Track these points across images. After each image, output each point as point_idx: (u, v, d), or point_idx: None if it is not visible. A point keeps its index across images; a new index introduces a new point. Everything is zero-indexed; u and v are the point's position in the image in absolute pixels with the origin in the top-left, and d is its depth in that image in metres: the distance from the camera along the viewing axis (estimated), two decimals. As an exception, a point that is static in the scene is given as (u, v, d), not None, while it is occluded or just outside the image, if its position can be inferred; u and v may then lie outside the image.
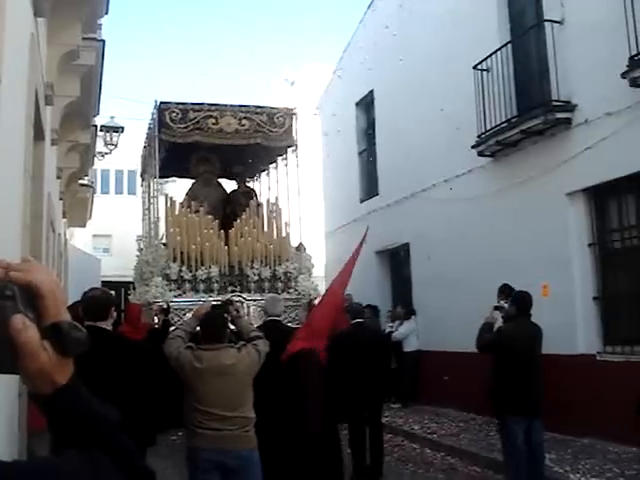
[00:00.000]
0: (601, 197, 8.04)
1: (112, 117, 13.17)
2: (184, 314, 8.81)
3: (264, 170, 11.87)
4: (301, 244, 10.40)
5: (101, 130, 12.31)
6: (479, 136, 9.39)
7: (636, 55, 6.79)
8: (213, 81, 50.36)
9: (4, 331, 0.75)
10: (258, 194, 11.40)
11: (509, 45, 9.19)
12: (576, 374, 7.65)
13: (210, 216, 9.98)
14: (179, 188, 13.12)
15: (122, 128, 13.07)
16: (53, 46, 5.46)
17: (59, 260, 10.62)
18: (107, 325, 3.89)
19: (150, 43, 55.49)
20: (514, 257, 8.83)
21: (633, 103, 7.06)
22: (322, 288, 10.47)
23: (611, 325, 7.81)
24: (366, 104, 14.16)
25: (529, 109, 8.67)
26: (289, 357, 5.25)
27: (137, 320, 8.05)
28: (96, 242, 23.38)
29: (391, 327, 11.43)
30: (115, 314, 4.06)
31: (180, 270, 9.32)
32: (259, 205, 10.56)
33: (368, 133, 14.21)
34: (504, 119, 8.97)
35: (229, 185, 11.85)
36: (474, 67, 9.40)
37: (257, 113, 10.33)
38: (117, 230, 22.27)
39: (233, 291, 9.37)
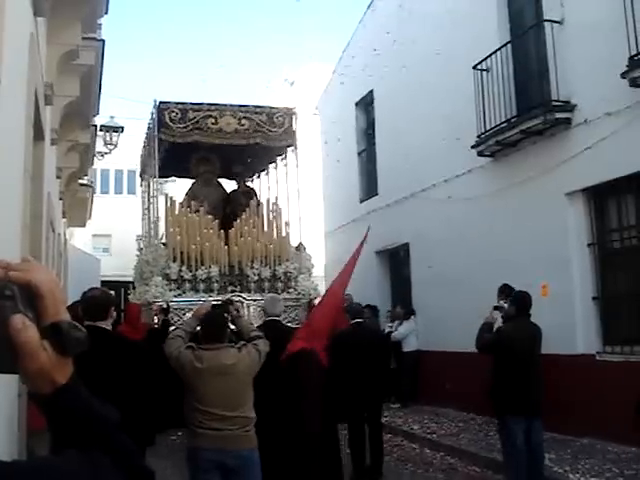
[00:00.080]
0: (600, 197, 8.04)
1: (112, 117, 13.17)
2: (184, 314, 8.81)
3: (263, 170, 11.88)
4: (301, 244, 10.40)
5: (101, 130, 12.31)
6: (479, 136, 9.39)
7: (636, 55, 6.79)
8: (213, 81, 50.37)
9: (4, 331, 0.75)
10: (258, 194, 11.40)
11: (509, 45, 9.19)
12: (576, 374, 7.65)
13: (210, 216, 9.98)
14: (179, 188, 13.13)
15: (122, 128, 13.08)
16: (53, 46, 5.46)
17: (59, 260, 10.62)
18: (107, 325, 3.89)
19: (150, 43, 55.47)
20: (513, 257, 8.84)
21: (633, 103, 7.06)
22: (322, 288, 10.48)
23: (610, 325, 7.82)
24: (366, 104, 14.16)
25: (529, 109, 8.67)
26: (289, 357, 5.25)
27: (136, 320, 8.05)
28: (96, 242, 23.38)
29: (390, 327, 11.44)
30: (115, 314, 4.06)
31: (180, 270, 9.32)
32: (259, 205, 10.56)
33: (368, 133, 14.21)
34: (504, 119, 8.97)
35: (229, 185, 11.86)
36: (474, 67, 9.40)
37: (257, 113, 10.33)
38: (117, 230, 22.26)
39: (233, 291, 9.37)
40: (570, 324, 7.92)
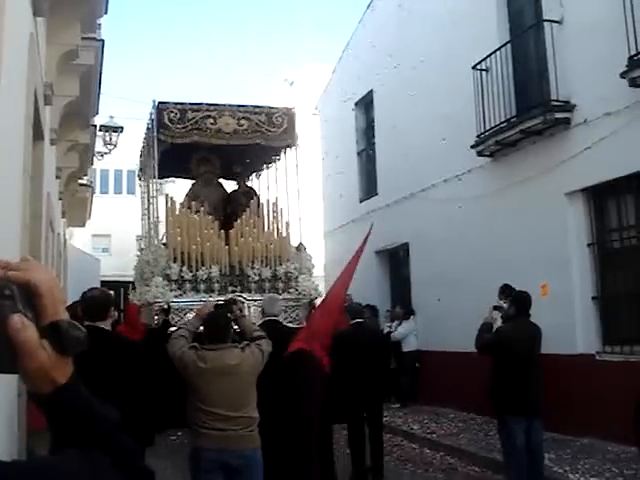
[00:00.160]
0: (600, 197, 8.04)
1: (111, 117, 13.18)
2: (185, 314, 8.81)
3: (260, 170, 11.88)
4: (301, 244, 10.39)
5: (100, 130, 12.32)
6: (478, 136, 9.39)
7: (635, 55, 6.79)
8: (212, 81, 50.40)
9: (3, 330, 0.75)
10: (258, 194, 11.39)
11: (508, 45, 9.19)
12: (575, 374, 7.65)
13: (210, 216, 9.98)
14: (178, 188, 13.13)
15: (121, 128, 13.08)
16: (52, 46, 5.46)
17: (58, 260, 10.62)
18: (106, 325, 3.89)
19: (149, 43, 55.52)
20: (513, 257, 8.84)
21: (632, 103, 7.07)
22: (321, 288, 10.48)
23: (610, 325, 7.82)
24: (365, 104, 14.16)
25: (528, 109, 8.67)
26: (287, 357, 5.25)
27: (135, 320, 8.05)
28: (95, 242, 23.40)
29: (389, 327, 11.43)
30: (115, 314, 4.06)
31: (181, 270, 9.31)
32: (259, 205, 10.55)
33: (367, 133, 14.21)
34: (503, 119, 8.97)
35: (229, 185, 11.85)
36: (473, 67, 9.40)
37: (256, 113, 10.32)
38: (116, 230, 22.29)
39: (234, 291, 9.36)
40: (570, 324, 7.92)
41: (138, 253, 11.39)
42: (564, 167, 8.13)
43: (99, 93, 7.77)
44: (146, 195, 11.55)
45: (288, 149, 10.68)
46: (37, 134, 5.03)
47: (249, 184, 11.80)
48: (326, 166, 15.76)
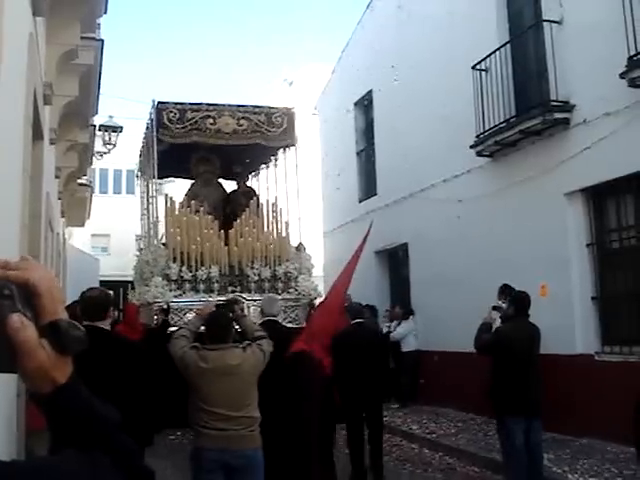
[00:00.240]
0: (600, 197, 8.04)
1: (111, 117, 13.16)
2: (184, 314, 8.81)
3: (260, 170, 11.88)
4: (301, 244, 10.39)
5: (100, 130, 12.31)
6: (478, 136, 9.39)
7: (635, 55, 6.79)
8: (212, 81, 50.39)
9: (2, 330, 0.75)
10: (258, 194, 11.39)
11: (508, 45, 9.19)
12: (575, 374, 7.65)
13: (210, 216, 9.98)
14: (178, 188, 13.13)
15: (121, 128, 13.07)
16: (52, 46, 5.46)
17: (57, 259, 10.62)
18: (105, 325, 3.88)
19: (149, 43, 55.51)
20: (513, 257, 8.84)
21: (631, 103, 7.07)
22: (321, 288, 10.48)
23: (610, 325, 7.82)
24: (365, 104, 14.16)
25: (528, 109, 8.68)
26: (288, 358, 5.25)
27: (134, 320, 8.04)
28: (94, 242, 23.40)
29: (388, 327, 11.42)
30: (116, 314, 4.06)
31: (180, 270, 9.32)
32: (259, 205, 10.55)
33: (367, 133, 14.21)
34: (503, 119, 8.97)
35: (229, 185, 11.85)
36: (473, 67, 9.40)
37: (255, 113, 10.32)
38: (115, 230, 22.29)
39: (233, 291, 9.36)
40: (569, 324, 7.92)
41: (137, 253, 11.39)
42: (564, 167, 8.13)
43: (98, 93, 7.77)
44: (145, 195, 11.56)
45: (287, 149, 10.68)
46: (36, 134, 5.03)
47: (249, 184, 11.80)
48: (325, 166, 15.76)
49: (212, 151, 10.76)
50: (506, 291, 7.00)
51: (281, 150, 10.81)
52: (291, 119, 10.42)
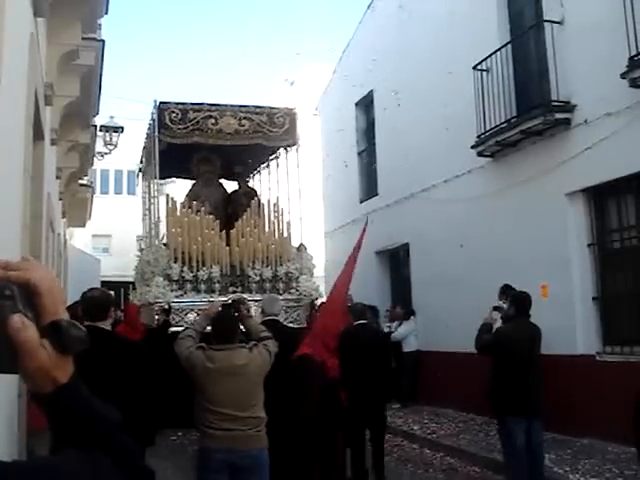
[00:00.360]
0: (600, 197, 8.03)
1: (112, 117, 13.17)
2: (185, 314, 8.81)
3: (259, 170, 11.88)
4: (302, 244, 10.39)
5: (101, 130, 12.32)
6: (479, 136, 9.38)
7: (636, 55, 6.79)
8: (213, 81, 50.42)
9: (3, 330, 0.75)
10: (259, 194, 11.40)
11: (509, 45, 9.19)
12: (575, 374, 7.65)
13: (211, 216, 9.98)
14: (179, 188, 13.14)
15: (122, 128, 13.07)
16: (53, 46, 5.47)
17: (59, 260, 10.63)
18: (106, 325, 3.89)
19: (150, 43, 55.56)
20: (513, 257, 8.83)
21: (632, 103, 7.06)
22: (322, 288, 10.48)
23: (610, 325, 7.81)
24: (366, 104, 14.16)
25: (529, 109, 8.67)
26: (294, 361, 5.25)
27: (135, 320, 8.05)
28: (95, 242, 23.43)
29: (389, 327, 11.41)
30: (119, 313, 4.06)
31: (181, 270, 9.32)
32: (260, 205, 10.55)
33: (368, 133, 14.20)
34: (504, 119, 8.97)
35: (230, 185, 11.85)
36: (474, 67, 9.40)
37: (257, 113, 10.32)
38: (116, 230, 22.33)
39: (234, 292, 9.36)
40: (570, 324, 7.92)
41: (138, 253, 11.39)
42: (564, 167, 8.12)
43: (99, 93, 7.77)
44: (147, 195, 11.56)
45: (289, 149, 10.68)
46: (37, 134, 5.03)
47: (250, 184, 11.80)
48: (326, 166, 15.76)
49: (213, 151, 10.77)
50: (507, 291, 7.00)
51: (282, 150, 10.81)
52: (293, 119, 10.42)
